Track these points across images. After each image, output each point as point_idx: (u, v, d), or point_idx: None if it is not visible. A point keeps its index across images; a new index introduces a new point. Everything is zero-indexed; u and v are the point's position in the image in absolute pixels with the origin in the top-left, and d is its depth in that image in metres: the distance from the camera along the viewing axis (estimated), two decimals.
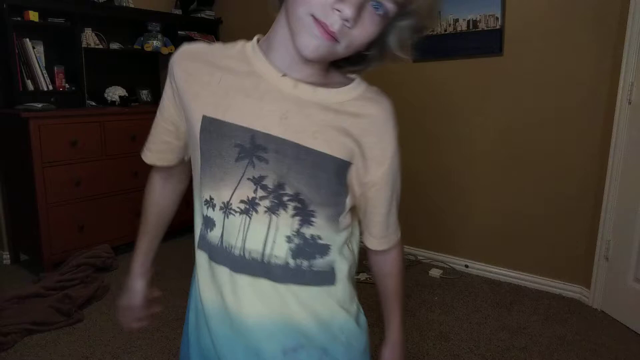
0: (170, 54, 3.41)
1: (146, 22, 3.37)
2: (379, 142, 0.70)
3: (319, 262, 0.69)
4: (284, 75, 0.66)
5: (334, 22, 0.58)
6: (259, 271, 0.67)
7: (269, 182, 0.65)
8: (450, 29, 2.62)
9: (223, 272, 0.68)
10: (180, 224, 3.58)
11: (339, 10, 0.58)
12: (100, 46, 3.13)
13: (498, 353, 1.95)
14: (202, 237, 0.72)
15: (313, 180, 0.66)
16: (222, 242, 0.68)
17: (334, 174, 0.67)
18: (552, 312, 2.30)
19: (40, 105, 2.62)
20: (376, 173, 0.70)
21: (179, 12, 3.58)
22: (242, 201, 0.66)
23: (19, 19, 2.69)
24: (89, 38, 3.04)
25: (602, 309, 2.31)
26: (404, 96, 2.91)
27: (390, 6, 0.61)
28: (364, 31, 0.61)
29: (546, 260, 2.52)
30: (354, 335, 0.75)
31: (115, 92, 3.23)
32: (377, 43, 0.66)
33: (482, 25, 2.52)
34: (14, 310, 2.18)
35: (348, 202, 0.71)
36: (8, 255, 2.93)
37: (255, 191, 0.65)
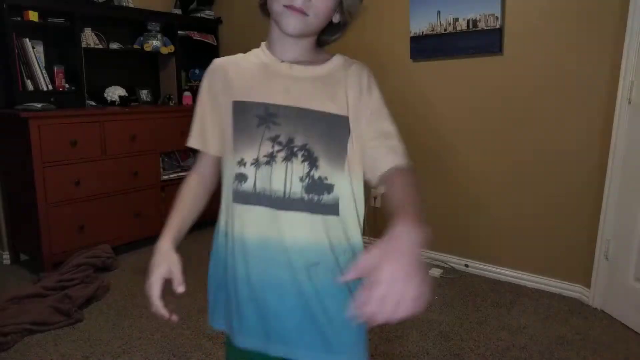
0: (169, 54, 3.44)
1: (146, 22, 3.37)
2: (361, 93, 0.92)
3: (326, 197, 0.88)
4: (282, 61, 0.91)
5: (297, 1, 0.82)
6: (284, 205, 0.87)
7: (282, 139, 0.86)
8: (450, 29, 2.62)
9: (259, 210, 0.88)
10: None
11: None
12: (100, 46, 3.13)
13: (498, 353, 1.95)
14: (236, 191, 0.90)
15: (314, 132, 0.87)
16: (255, 188, 0.88)
17: (330, 126, 0.88)
18: (552, 311, 2.30)
19: (40, 105, 2.62)
20: (367, 109, 0.91)
21: (178, 11, 3.59)
22: (264, 156, 0.87)
23: (18, 19, 2.69)
24: (89, 38, 3.04)
25: (602, 309, 2.31)
26: (404, 96, 2.91)
27: None
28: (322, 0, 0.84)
29: (546, 260, 2.52)
30: (356, 254, 0.92)
31: (115, 92, 3.23)
32: (338, 10, 0.89)
33: (482, 25, 2.52)
34: (14, 310, 2.18)
35: (349, 147, 0.89)
36: (8, 255, 2.93)
37: (272, 147, 0.86)
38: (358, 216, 0.93)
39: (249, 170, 0.88)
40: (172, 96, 3.50)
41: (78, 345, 2.01)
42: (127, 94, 3.27)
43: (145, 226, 3.12)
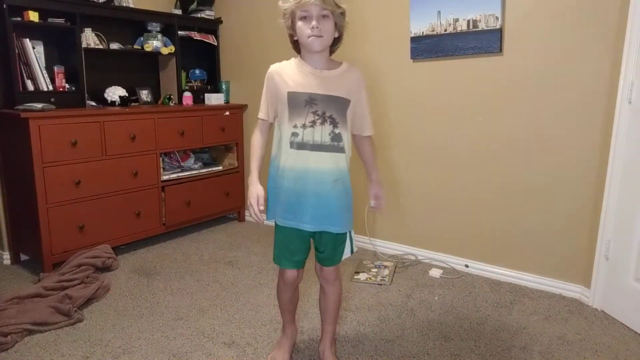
0: (170, 54, 3.44)
1: (146, 22, 3.37)
2: (357, 87, 1.65)
3: (340, 143, 1.61)
4: (315, 68, 1.60)
5: (315, 31, 1.51)
6: (321, 149, 1.58)
7: (319, 112, 1.57)
8: (450, 29, 2.62)
9: (306, 152, 1.58)
10: (180, 224, 3.58)
11: (313, 27, 1.50)
12: (100, 46, 3.13)
13: (498, 353, 1.95)
14: (292, 142, 1.58)
15: (335, 108, 1.59)
16: (303, 140, 1.58)
17: (345, 105, 1.61)
18: (552, 312, 2.30)
19: (40, 106, 2.62)
20: (358, 100, 1.65)
21: (179, 12, 3.58)
22: (309, 122, 1.57)
23: (19, 19, 2.69)
24: (89, 38, 3.04)
25: (602, 309, 2.31)
26: (404, 95, 2.91)
27: (327, 12, 1.51)
28: (327, 25, 1.52)
29: (546, 260, 2.52)
30: (346, 174, 1.67)
31: (115, 92, 3.23)
32: (336, 29, 1.57)
33: (482, 25, 2.52)
34: (14, 310, 2.18)
35: (348, 116, 1.62)
36: (8, 255, 2.94)
37: (314, 116, 1.57)
38: (347, 153, 1.65)
39: (300, 130, 1.57)
40: (172, 96, 3.50)
41: (78, 345, 2.01)
42: (127, 94, 3.27)
43: (145, 226, 3.12)
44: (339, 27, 1.56)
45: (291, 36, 1.61)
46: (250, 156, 1.69)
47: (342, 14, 1.56)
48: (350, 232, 1.72)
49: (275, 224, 1.70)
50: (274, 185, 1.67)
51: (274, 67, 1.64)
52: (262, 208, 1.61)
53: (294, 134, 1.57)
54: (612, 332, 2.11)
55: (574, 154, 2.37)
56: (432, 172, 2.87)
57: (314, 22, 1.48)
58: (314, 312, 2.26)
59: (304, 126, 1.56)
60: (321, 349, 1.87)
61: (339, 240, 1.70)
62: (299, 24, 1.52)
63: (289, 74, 1.59)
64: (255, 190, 1.62)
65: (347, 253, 1.74)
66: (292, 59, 1.64)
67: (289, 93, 1.56)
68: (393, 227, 3.08)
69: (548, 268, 2.52)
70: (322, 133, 1.57)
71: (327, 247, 1.70)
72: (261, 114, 1.68)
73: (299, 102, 1.56)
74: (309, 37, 1.50)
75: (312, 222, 1.62)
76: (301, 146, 1.57)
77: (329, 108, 1.56)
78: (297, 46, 1.63)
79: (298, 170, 1.59)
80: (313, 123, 1.56)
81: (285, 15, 1.56)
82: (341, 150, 1.61)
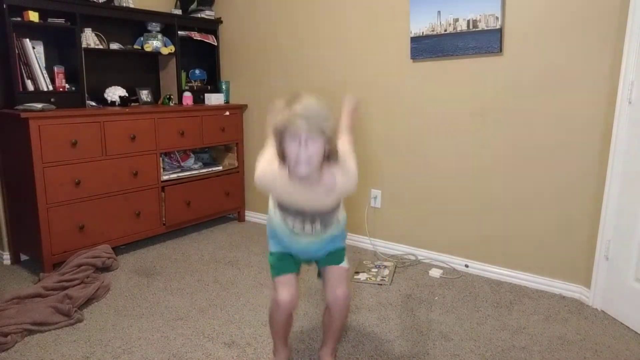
0: (170, 54, 3.44)
1: (146, 22, 3.37)
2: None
3: (331, 226, 1.66)
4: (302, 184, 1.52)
5: (301, 157, 1.39)
6: (312, 237, 1.64)
7: (309, 219, 1.60)
8: (450, 29, 2.62)
9: (297, 237, 1.65)
10: (180, 224, 3.58)
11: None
12: (100, 46, 3.13)
13: (498, 353, 1.95)
14: (284, 221, 1.64)
15: (326, 213, 1.62)
16: (293, 228, 1.63)
17: (335, 208, 1.64)
18: (552, 312, 2.30)
19: (40, 106, 2.62)
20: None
21: (179, 12, 3.58)
22: (299, 222, 1.62)
23: (19, 19, 2.69)
24: (89, 38, 3.04)
25: (602, 309, 2.31)
26: (405, 95, 2.91)
27: (316, 135, 1.37)
28: (314, 148, 1.39)
29: (546, 260, 2.52)
30: (343, 232, 1.77)
31: (115, 92, 3.23)
32: (326, 147, 1.42)
33: (482, 25, 2.52)
34: (14, 310, 2.18)
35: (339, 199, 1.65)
36: (8, 256, 2.94)
37: (302, 222, 1.62)
38: (341, 219, 1.73)
39: (290, 221, 1.62)
40: (172, 96, 3.50)
41: (78, 345, 2.01)
42: (127, 94, 3.27)
43: (145, 226, 3.12)
44: (328, 144, 1.42)
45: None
46: None
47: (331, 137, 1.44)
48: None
49: (269, 256, 1.74)
50: (273, 232, 1.71)
51: (262, 173, 1.55)
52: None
53: (285, 222, 1.62)
54: (612, 332, 2.11)
55: (574, 154, 2.37)
56: (432, 171, 2.87)
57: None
58: (314, 312, 2.26)
59: (293, 221, 1.59)
60: (321, 354, 1.84)
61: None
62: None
63: (279, 183, 1.52)
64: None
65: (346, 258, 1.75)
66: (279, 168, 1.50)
67: (278, 200, 1.60)
68: (393, 227, 3.08)
69: (548, 268, 2.52)
70: (312, 227, 1.59)
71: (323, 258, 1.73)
72: (259, 170, 1.56)
73: (288, 209, 1.58)
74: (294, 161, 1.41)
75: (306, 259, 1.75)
76: (294, 233, 1.63)
77: (317, 216, 1.58)
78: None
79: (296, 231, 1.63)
80: (302, 223, 1.59)
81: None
82: (335, 224, 1.66)
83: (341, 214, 1.70)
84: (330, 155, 1.44)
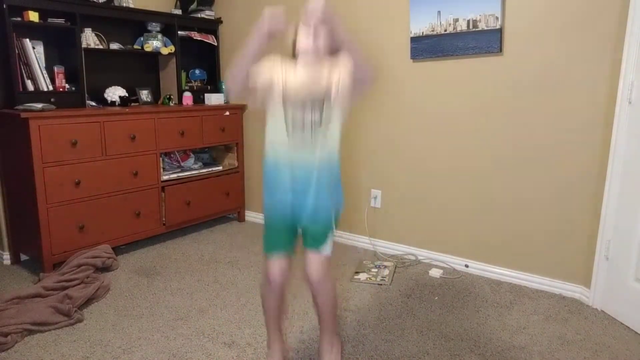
0: (170, 54, 3.44)
1: (146, 22, 3.37)
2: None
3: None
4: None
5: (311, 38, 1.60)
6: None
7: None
8: (450, 29, 2.62)
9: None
10: (180, 224, 3.57)
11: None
12: (100, 46, 3.13)
13: (498, 353, 1.95)
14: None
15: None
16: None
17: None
18: (552, 312, 2.30)
19: (40, 106, 2.62)
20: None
21: (179, 12, 3.58)
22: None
23: (19, 19, 2.69)
24: (89, 38, 3.04)
25: (602, 309, 2.31)
26: (405, 95, 2.91)
27: (326, 22, 1.56)
28: (322, 33, 1.58)
29: (546, 260, 2.52)
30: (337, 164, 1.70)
31: (115, 92, 3.23)
32: (333, 39, 1.60)
33: (482, 25, 2.52)
34: (14, 310, 2.18)
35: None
36: (8, 256, 2.93)
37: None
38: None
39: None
40: (172, 96, 3.50)
41: (78, 345, 2.01)
42: (127, 94, 3.27)
43: (145, 226, 3.12)
44: (334, 37, 1.60)
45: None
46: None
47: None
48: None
49: (264, 223, 1.74)
50: (268, 176, 1.69)
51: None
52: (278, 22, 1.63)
53: (285, 119, 1.64)
54: (612, 332, 2.11)
55: (574, 154, 2.37)
56: (432, 171, 2.87)
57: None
58: (314, 312, 2.26)
59: (293, 112, 1.63)
60: (319, 348, 1.82)
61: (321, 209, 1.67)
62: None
63: (285, 70, 1.67)
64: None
65: (330, 243, 1.68)
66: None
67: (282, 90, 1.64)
68: (393, 227, 3.08)
69: (548, 268, 2.52)
70: (312, 118, 1.63)
71: (310, 214, 1.65)
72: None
73: (290, 99, 1.66)
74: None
75: (300, 216, 1.67)
76: (291, 140, 1.64)
77: (317, 104, 1.63)
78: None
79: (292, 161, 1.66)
80: (302, 112, 1.63)
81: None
82: (330, 139, 1.64)
83: (337, 134, 1.65)
84: (333, 48, 1.61)
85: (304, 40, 1.60)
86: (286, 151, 1.62)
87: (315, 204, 1.63)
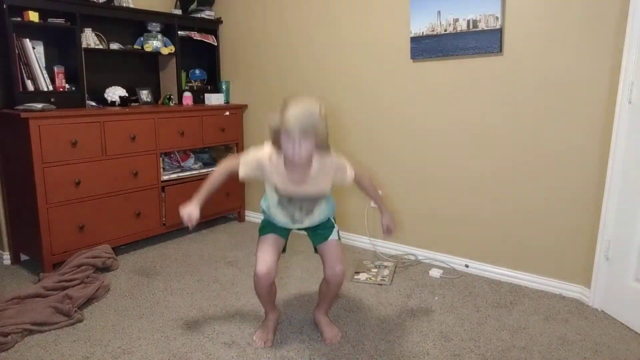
0: (170, 54, 3.44)
1: (146, 22, 3.37)
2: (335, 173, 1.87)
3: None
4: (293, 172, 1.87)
5: (296, 153, 1.68)
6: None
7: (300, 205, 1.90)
8: (450, 29, 2.62)
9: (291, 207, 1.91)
10: (180, 224, 3.58)
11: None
12: (100, 46, 3.13)
13: (498, 353, 1.95)
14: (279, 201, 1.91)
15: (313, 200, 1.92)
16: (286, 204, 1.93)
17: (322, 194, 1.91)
18: (552, 312, 2.30)
19: (40, 106, 2.62)
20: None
21: (179, 12, 3.58)
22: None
23: (19, 19, 2.69)
24: (89, 38, 3.04)
25: (602, 309, 2.31)
26: (404, 96, 2.91)
27: (307, 136, 1.64)
28: (306, 145, 1.66)
29: (546, 260, 2.52)
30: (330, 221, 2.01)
31: (115, 92, 3.23)
32: (316, 141, 1.69)
33: (482, 25, 2.52)
34: (14, 310, 2.18)
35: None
36: (8, 256, 2.94)
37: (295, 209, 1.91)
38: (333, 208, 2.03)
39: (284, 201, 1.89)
40: (172, 96, 3.50)
41: (78, 345, 2.01)
42: (127, 94, 3.27)
43: (145, 226, 3.12)
44: (317, 142, 1.70)
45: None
46: (204, 184, 1.85)
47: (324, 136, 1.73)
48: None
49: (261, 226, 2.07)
50: (268, 216, 2.02)
51: (258, 157, 1.81)
52: (192, 224, 1.82)
53: (280, 204, 1.88)
54: (612, 332, 2.11)
55: (574, 154, 2.37)
56: (432, 171, 2.87)
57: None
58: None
59: (286, 207, 1.88)
60: (315, 312, 2.12)
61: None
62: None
63: (272, 170, 1.80)
64: (190, 210, 1.80)
65: (335, 233, 2.00)
66: (271, 151, 1.80)
67: (275, 187, 1.83)
68: None
69: (548, 268, 2.52)
70: (301, 211, 1.89)
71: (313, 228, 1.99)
72: (241, 172, 1.82)
73: (281, 194, 1.85)
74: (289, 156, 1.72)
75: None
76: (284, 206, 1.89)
77: (304, 201, 1.86)
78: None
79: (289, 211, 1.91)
80: (292, 208, 1.88)
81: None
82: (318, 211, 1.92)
83: (327, 203, 1.94)
84: (320, 147, 1.72)
85: (289, 150, 1.67)
86: (281, 212, 1.90)
87: (314, 223, 1.97)
